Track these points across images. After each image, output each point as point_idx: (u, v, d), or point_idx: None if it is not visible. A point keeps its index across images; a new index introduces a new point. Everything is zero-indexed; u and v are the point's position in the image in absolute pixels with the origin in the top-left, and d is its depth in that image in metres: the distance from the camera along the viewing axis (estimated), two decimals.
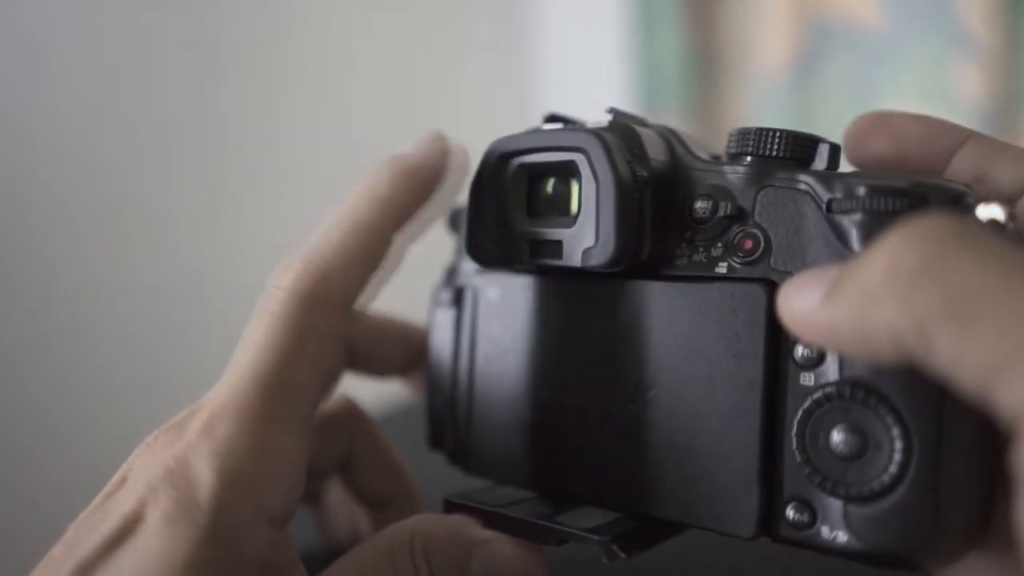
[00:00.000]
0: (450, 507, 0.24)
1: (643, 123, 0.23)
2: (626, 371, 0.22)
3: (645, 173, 0.21)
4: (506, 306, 0.25)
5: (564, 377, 0.23)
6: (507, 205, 0.23)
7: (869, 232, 0.18)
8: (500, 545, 0.23)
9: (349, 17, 1.00)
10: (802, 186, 0.20)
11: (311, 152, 0.96)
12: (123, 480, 0.21)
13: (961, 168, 0.21)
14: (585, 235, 0.22)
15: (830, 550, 0.19)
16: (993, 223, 0.19)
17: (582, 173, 0.22)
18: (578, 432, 0.23)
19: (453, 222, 0.28)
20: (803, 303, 0.17)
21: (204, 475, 0.20)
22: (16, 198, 0.78)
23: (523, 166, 0.23)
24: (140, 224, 0.86)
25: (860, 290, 0.16)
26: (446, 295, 0.27)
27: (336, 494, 0.30)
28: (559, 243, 0.22)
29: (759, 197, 0.20)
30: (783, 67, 0.90)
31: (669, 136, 0.23)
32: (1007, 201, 0.19)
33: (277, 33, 0.95)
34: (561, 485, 0.24)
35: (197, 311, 0.86)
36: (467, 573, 0.23)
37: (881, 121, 0.22)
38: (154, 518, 0.19)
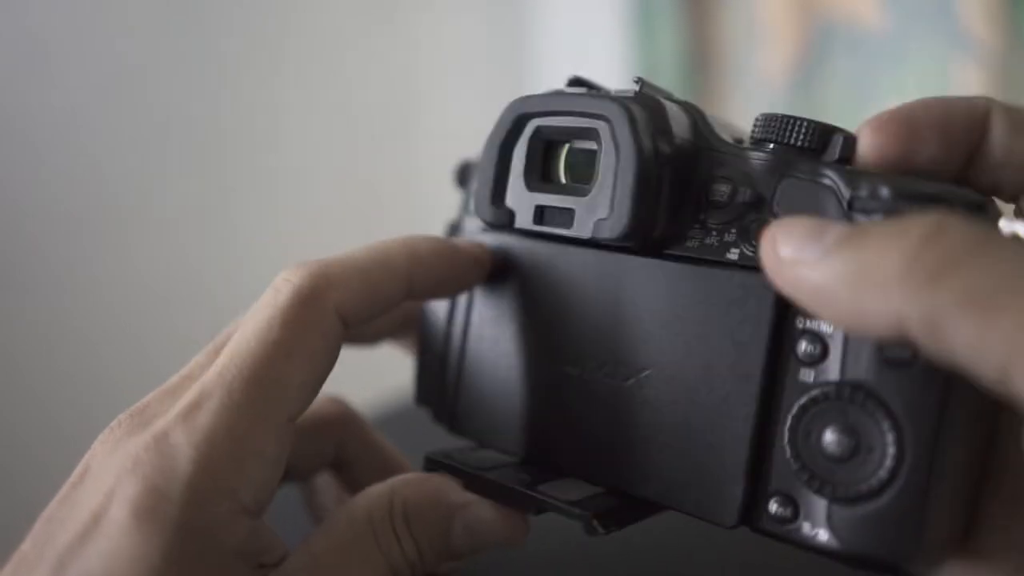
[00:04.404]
0: (430, 464, 0.24)
1: (669, 97, 0.23)
2: (624, 348, 0.22)
3: (668, 149, 0.21)
4: (509, 270, 0.24)
5: (561, 347, 0.23)
6: (520, 167, 0.23)
7: None
8: (482, 509, 0.22)
9: (347, 16, 1.00)
10: (826, 181, 0.19)
11: (309, 150, 0.96)
12: (86, 470, 0.20)
13: (993, 146, 0.20)
14: (599, 206, 0.21)
15: (809, 547, 0.19)
16: (1015, 238, 0.19)
17: (603, 143, 0.21)
18: (570, 403, 0.23)
19: (461, 177, 0.28)
20: (794, 254, 0.17)
21: (181, 465, 0.19)
22: (15, 197, 0.78)
23: (542, 129, 0.23)
24: (139, 223, 0.85)
25: (869, 272, 0.16)
26: None
27: (327, 476, 0.30)
28: (570, 212, 0.22)
29: (780, 187, 0.20)
30: (784, 68, 0.90)
31: (694, 114, 0.22)
32: None
33: (275, 31, 0.95)
34: (546, 454, 0.23)
35: (195, 310, 0.86)
36: (450, 538, 0.22)
37: (881, 128, 0.21)
38: (122, 513, 0.19)
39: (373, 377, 0.50)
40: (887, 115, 0.21)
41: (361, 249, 0.23)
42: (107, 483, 0.19)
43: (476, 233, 0.26)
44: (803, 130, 0.20)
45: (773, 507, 0.19)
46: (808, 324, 0.19)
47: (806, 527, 0.19)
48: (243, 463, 0.20)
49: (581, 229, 0.22)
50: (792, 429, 0.19)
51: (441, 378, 0.26)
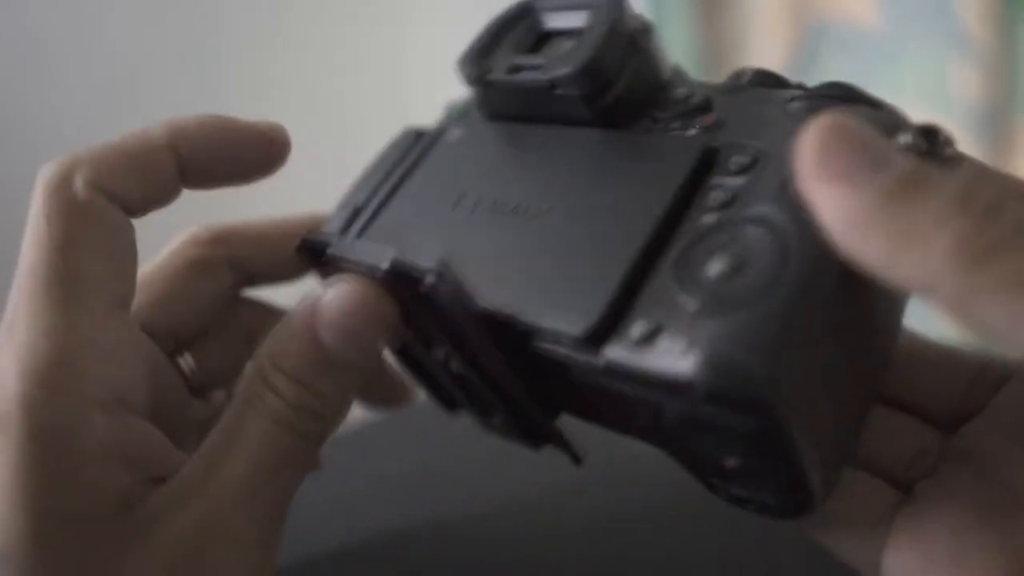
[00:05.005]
0: (303, 249, 0.25)
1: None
2: (540, 195, 0.23)
3: (643, 43, 0.23)
4: (463, 143, 0.26)
5: (482, 201, 0.24)
6: (511, 45, 0.25)
7: (814, 112, 0.19)
8: (334, 292, 0.21)
9: (346, 17, 1.00)
10: (772, 95, 0.22)
11: (307, 150, 0.96)
12: None
13: None
14: (568, 58, 0.23)
15: (661, 373, 0.17)
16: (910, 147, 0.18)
17: (588, 23, 0.23)
18: (471, 243, 0.23)
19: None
20: (843, 170, 0.16)
21: (11, 383, 0.19)
22: (15, 197, 0.78)
23: (541, 19, 0.25)
24: (138, 223, 0.85)
25: (915, 234, 0.15)
26: (406, 133, 0.29)
27: None
28: (540, 66, 0.24)
29: (730, 97, 0.22)
30: (782, 67, 0.90)
31: (679, 66, 0.25)
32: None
33: (274, 31, 0.95)
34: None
35: None
36: (325, 349, 0.21)
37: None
38: None
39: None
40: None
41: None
42: None
43: (440, 121, 0.28)
44: (760, 74, 0.23)
45: (636, 329, 0.18)
46: (725, 181, 0.20)
47: (663, 344, 0.17)
48: (73, 360, 0.20)
49: (545, 73, 0.23)
50: (678, 256, 0.19)
51: (348, 223, 0.27)
